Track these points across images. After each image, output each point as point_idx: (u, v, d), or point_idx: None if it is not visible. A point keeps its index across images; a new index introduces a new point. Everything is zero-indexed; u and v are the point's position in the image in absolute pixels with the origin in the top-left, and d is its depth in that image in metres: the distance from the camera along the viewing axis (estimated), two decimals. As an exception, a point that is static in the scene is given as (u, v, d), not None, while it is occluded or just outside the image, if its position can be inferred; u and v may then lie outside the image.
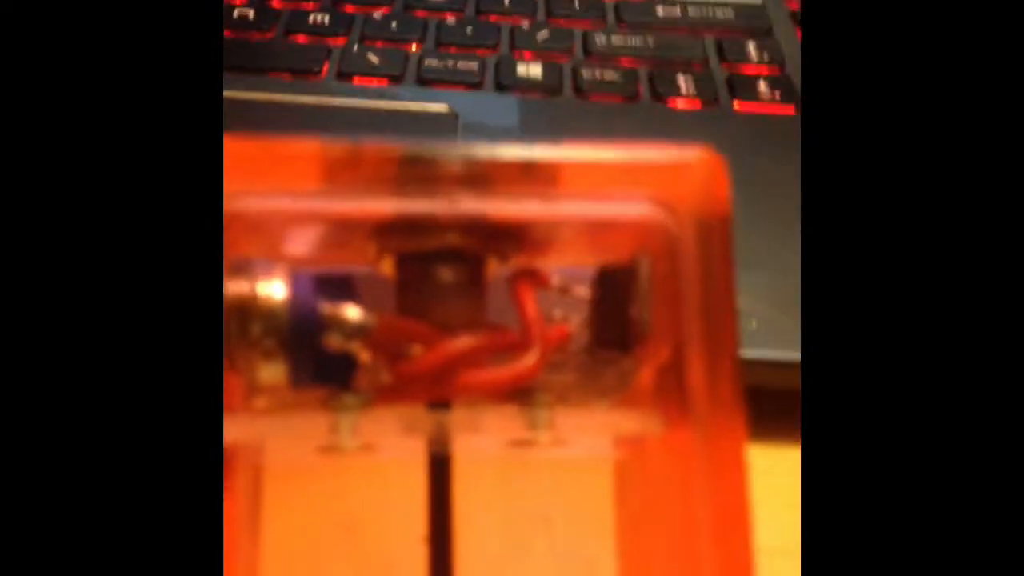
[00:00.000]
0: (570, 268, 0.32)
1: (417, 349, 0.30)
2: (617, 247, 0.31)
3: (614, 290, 0.30)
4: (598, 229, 0.30)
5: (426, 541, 0.32)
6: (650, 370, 0.29)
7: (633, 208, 0.28)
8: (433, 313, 0.30)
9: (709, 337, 0.28)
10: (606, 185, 0.28)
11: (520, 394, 0.30)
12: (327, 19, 0.65)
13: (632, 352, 0.30)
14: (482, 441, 0.30)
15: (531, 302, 0.30)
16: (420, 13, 0.67)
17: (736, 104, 0.60)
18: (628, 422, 0.28)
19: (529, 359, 0.29)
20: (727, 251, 0.28)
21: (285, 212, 0.28)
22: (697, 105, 0.60)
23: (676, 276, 0.28)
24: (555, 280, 0.32)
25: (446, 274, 0.30)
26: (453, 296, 0.30)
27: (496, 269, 0.31)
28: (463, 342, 0.29)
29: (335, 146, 0.28)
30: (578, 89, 0.60)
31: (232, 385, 0.28)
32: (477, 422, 0.28)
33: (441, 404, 0.29)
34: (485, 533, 0.33)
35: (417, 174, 0.28)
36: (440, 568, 0.32)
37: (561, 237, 0.30)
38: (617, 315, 0.30)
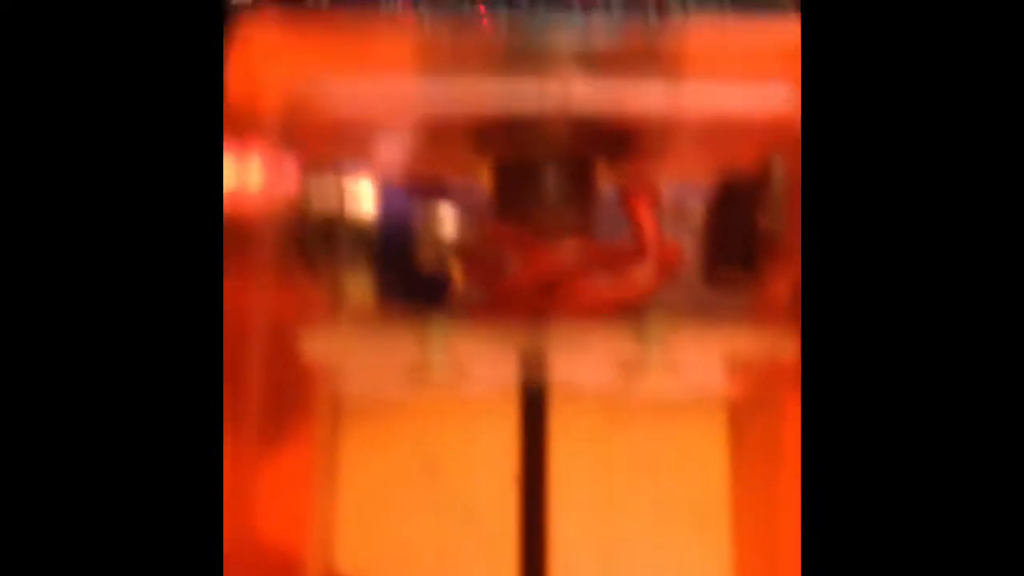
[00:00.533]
0: (685, 185, 0.29)
1: (517, 262, 0.27)
2: (744, 151, 0.27)
3: (739, 199, 0.27)
4: (723, 126, 0.26)
5: (517, 482, 0.28)
6: (782, 289, 0.26)
7: (769, 96, 0.25)
8: (537, 221, 0.26)
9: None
10: (736, 69, 0.25)
11: (630, 314, 0.26)
12: None
13: (759, 270, 0.27)
14: (584, 365, 0.27)
15: (646, 210, 0.27)
16: None
17: None
18: (755, 342, 0.25)
19: (644, 272, 0.26)
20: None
21: (373, 101, 0.25)
22: None
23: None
24: (669, 195, 0.28)
25: (550, 178, 0.27)
26: (558, 203, 0.27)
27: (605, 177, 0.28)
28: (569, 252, 0.26)
29: (431, 25, 0.25)
30: None
31: (314, 300, 0.25)
32: (580, 338, 0.25)
33: (541, 320, 0.26)
34: (583, 476, 0.30)
35: (524, 57, 0.24)
36: (532, 512, 0.28)
37: (680, 138, 0.27)
38: (743, 227, 0.27)
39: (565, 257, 0.26)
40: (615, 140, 0.27)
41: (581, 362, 0.27)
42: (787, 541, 0.26)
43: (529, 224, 0.26)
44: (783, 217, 0.25)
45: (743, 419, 0.30)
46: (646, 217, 0.26)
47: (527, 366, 0.27)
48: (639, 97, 0.25)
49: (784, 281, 0.26)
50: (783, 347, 0.25)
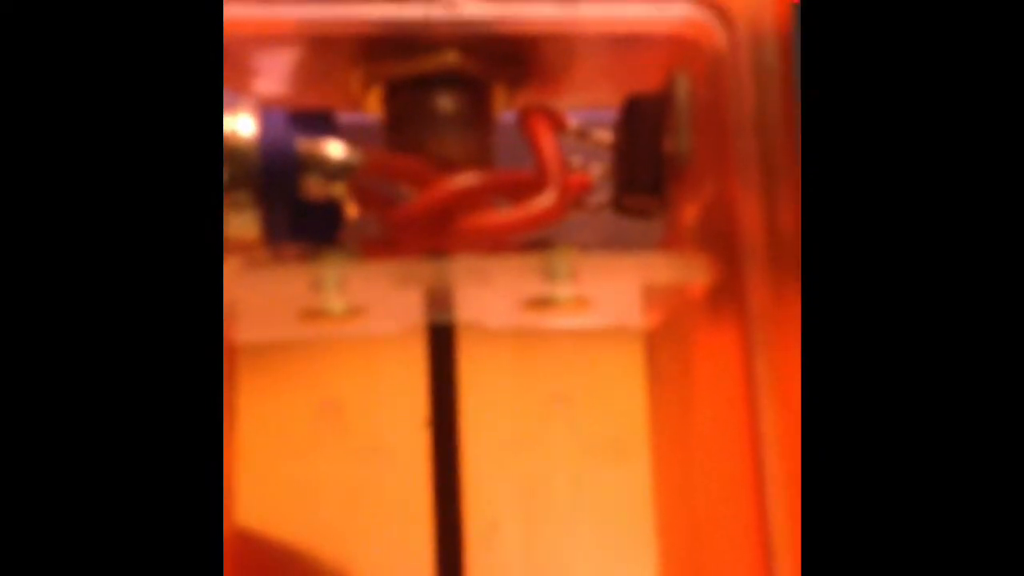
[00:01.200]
0: (589, 112, 0.28)
1: (411, 192, 0.25)
2: (647, 72, 0.26)
3: (644, 122, 0.26)
4: (626, 44, 0.25)
5: (428, 425, 0.27)
6: (690, 213, 0.25)
7: (670, 11, 0.23)
8: (430, 148, 0.25)
9: (767, 170, 0.23)
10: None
11: (536, 245, 0.25)
12: None
13: (666, 195, 0.25)
14: (491, 303, 0.26)
15: (547, 136, 0.25)
16: None
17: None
18: (666, 269, 0.24)
19: (547, 199, 0.24)
20: (788, 65, 0.23)
21: (251, 23, 0.23)
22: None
23: (723, 99, 0.24)
24: (573, 123, 0.27)
25: (445, 101, 0.25)
26: (453, 128, 0.25)
27: (504, 101, 0.26)
28: (465, 179, 0.24)
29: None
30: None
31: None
32: (485, 273, 0.23)
33: (441, 255, 0.25)
34: (495, 415, 0.29)
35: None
36: (444, 456, 0.27)
37: (580, 58, 0.26)
38: (649, 151, 0.25)
39: (463, 186, 0.24)
40: (511, 59, 0.25)
41: (488, 297, 0.25)
42: (702, 470, 0.25)
43: (423, 152, 0.25)
44: (689, 138, 0.24)
45: (657, 348, 0.29)
46: (548, 142, 0.25)
47: (431, 303, 0.26)
48: (534, 11, 0.23)
49: (693, 205, 0.24)
50: (694, 274, 0.23)
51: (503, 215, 0.24)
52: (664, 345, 0.28)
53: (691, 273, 0.23)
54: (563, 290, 0.24)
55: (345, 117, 0.26)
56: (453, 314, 0.27)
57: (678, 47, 0.25)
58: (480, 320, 0.27)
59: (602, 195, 0.28)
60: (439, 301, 0.26)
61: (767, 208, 0.23)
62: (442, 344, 0.27)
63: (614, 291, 0.25)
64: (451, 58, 0.24)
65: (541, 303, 0.25)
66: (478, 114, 0.25)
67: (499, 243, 0.26)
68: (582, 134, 0.27)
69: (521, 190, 0.25)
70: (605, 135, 0.27)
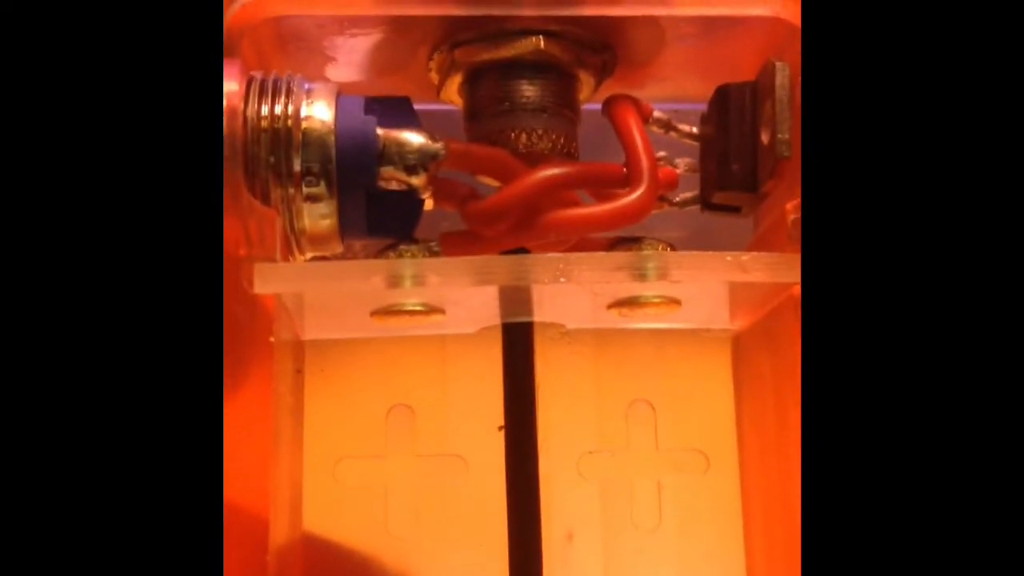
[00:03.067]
0: (670, 104, 0.26)
1: (493, 185, 0.24)
2: (740, 59, 0.24)
3: (737, 113, 0.24)
4: (718, 28, 0.23)
5: (502, 430, 0.26)
6: (791, 210, 0.23)
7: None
8: (513, 138, 0.24)
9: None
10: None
11: (621, 243, 0.24)
12: None
13: (763, 190, 0.24)
14: (572, 303, 0.25)
15: (638, 127, 0.24)
16: None
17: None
18: (764, 269, 0.22)
19: (636, 193, 0.23)
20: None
21: (327, 4, 0.22)
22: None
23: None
24: (658, 114, 0.25)
25: (529, 89, 0.24)
26: (538, 117, 0.24)
27: (589, 91, 0.25)
28: (551, 172, 0.23)
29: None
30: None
31: (268, 231, 0.23)
32: (569, 270, 0.22)
33: (521, 252, 0.23)
34: (573, 420, 0.27)
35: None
36: (519, 462, 0.26)
37: (670, 44, 0.24)
38: (743, 144, 0.24)
39: (548, 178, 0.23)
40: (597, 45, 0.24)
41: (569, 296, 0.24)
42: (797, 482, 0.24)
43: (506, 143, 0.24)
44: (788, 130, 0.23)
45: (745, 352, 0.27)
46: (638, 133, 0.24)
47: (509, 302, 0.25)
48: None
49: (789, 201, 0.23)
50: (793, 274, 0.22)
51: (590, 210, 0.23)
52: (754, 348, 0.26)
53: (791, 274, 0.22)
54: (651, 289, 0.23)
55: (420, 107, 0.25)
56: (531, 314, 0.25)
57: (775, 31, 0.23)
58: (560, 320, 0.26)
59: (685, 190, 0.26)
60: (518, 300, 0.24)
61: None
62: (519, 345, 0.26)
63: (704, 291, 0.24)
64: (536, 44, 0.23)
65: (627, 303, 0.24)
66: (564, 103, 0.24)
67: (583, 239, 0.24)
68: (667, 125, 0.26)
69: (606, 184, 0.24)
70: (690, 127, 0.26)
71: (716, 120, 0.25)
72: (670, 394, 0.27)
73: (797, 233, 0.23)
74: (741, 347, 0.27)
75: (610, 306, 0.24)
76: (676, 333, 0.27)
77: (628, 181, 0.23)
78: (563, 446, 0.27)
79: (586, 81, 0.24)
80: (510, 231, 0.23)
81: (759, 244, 0.25)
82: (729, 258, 0.22)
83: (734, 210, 0.25)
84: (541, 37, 0.23)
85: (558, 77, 0.24)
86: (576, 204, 0.24)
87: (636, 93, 0.25)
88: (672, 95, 0.27)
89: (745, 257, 0.22)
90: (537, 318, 0.26)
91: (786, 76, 0.23)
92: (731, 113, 0.24)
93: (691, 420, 0.27)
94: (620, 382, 0.28)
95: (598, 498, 0.27)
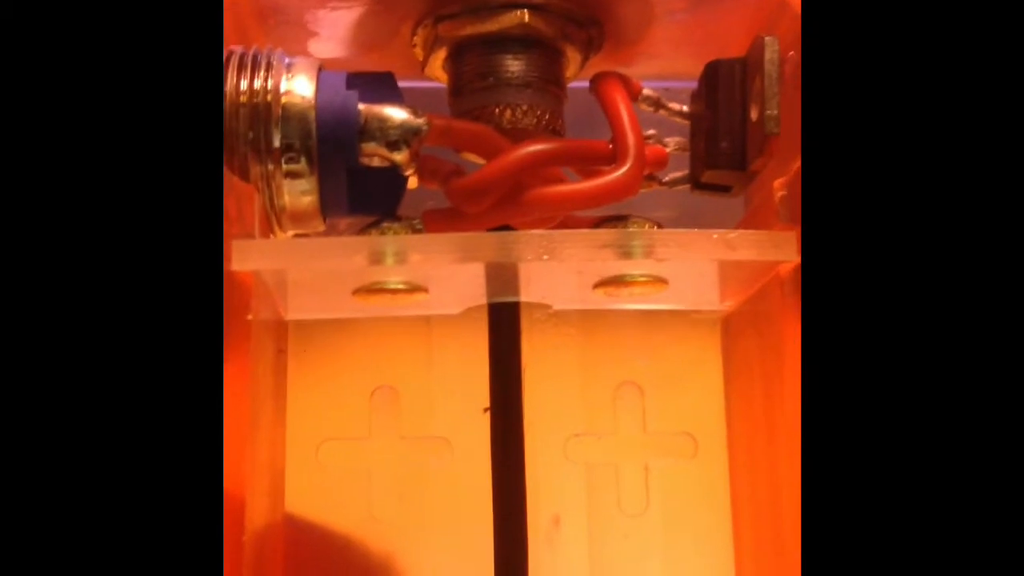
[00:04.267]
0: (659, 83, 0.26)
1: (477, 161, 0.23)
2: (729, 36, 0.24)
3: (727, 90, 0.24)
4: (707, 3, 0.23)
5: (487, 412, 0.26)
6: (778, 189, 0.23)
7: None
8: (498, 114, 0.23)
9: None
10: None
11: (608, 221, 0.23)
12: None
13: (753, 169, 0.23)
14: (558, 282, 0.24)
15: (624, 104, 0.23)
16: None
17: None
18: (754, 247, 0.22)
19: (623, 170, 0.23)
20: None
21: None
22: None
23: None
24: (647, 92, 0.25)
25: (515, 64, 0.23)
26: (523, 93, 0.23)
27: (576, 67, 0.24)
28: (535, 148, 0.23)
29: None
30: None
31: (247, 208, 0.22)
32: (554, 248, 0.21)
33: (507, 229, 0.23)
34: (560, 403, 0.27)
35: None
36: (505, 445, 0.26)
37: (658, 19, 0.24)
38: (732, 121, 0.24)
39: (533, 154, 0.22)
40: (585, 20, 0.23)
41: (555, 275, 0.24)
42: (787, 466, 0.24)
43: (490, 118, 0.23)
44: (778, 107, 0.22)
45: (735, 333, 0.27)
46: (625, 110, 0.23)
47: (494, 281, 0.24)
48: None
49: (781, 180, 0.23)
50: (784, 253, 0.22)
51: (575, 187, 0.23)
52: (743, 330, 0.26)
53: (780, 252, 0.22)
54: (637, 268, 0.23)
55: (405, 84, 0.24)
56: (517, 293, 0.25)
57: (765, 6, 0.23)
58: (546, 300, 0.26)
59: (674, 170, 0.26)
60: (503, 279, 0.24)
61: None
62: (505, 325, 0.26)
63: (692, 271, 0.24)
64: (521, 17, 0.23)
65: (613, 282, 0.23)
66: (550, 79, 0.24)
67: (569, 218, 0.24)
68: (656, 103, 0.25)
69: (592, 161, 0.23)
70: (679, 105, 0.25)
71: (706, 98, 0.24)
72: (658, 376, 0.27)
73: (785, 211, 0.22)
74: (730, 329, 0.27)
75: (596, 285, 0.23)
76: (664, 315, 0.27)
77: (614, 158, 0.23)
78: (549, 429, 0.27)
79: (572, 57, 0.24)
80: (494, 208, 0.23)
81: (749, 223, 0.25)
82: (716, 236, 0.22)
83: (724, 190, 0.25)
84: (526, 10, 0.23)
85: (543, 52, 0.23)
86: (562, 181, 0.23)
87: (626, 71, 0.25)
88: (662, 73, 0.27)
89: (732, 235, 0.22)
90: (523, 298, 0.25)
91: (775, 51, 0.22)
92: (720, 90, 0.24)
93: (679, 403, 0.27)
94: (607, 364, 0.27)
95: (584, 482, 0.27)
